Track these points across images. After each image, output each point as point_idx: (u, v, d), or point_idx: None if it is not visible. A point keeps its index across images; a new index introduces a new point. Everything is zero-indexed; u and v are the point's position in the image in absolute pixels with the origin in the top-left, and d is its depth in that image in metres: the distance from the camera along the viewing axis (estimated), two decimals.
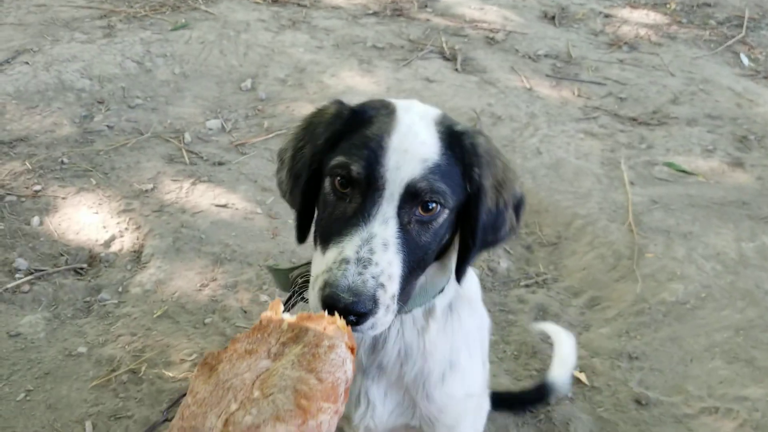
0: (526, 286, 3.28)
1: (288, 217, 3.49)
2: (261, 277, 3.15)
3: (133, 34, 5.00)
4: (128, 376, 2.69)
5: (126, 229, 3.36)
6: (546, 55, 5.33)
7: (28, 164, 3.71)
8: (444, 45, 5.31)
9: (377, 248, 1.36)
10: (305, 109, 4.37)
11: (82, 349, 2.78)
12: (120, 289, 3.06)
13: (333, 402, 1.14)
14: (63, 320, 2.91)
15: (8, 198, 3.47)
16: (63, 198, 3.52)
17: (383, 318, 1.36)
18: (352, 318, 1.32)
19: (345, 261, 1.34)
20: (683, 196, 3.82)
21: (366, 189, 1.41)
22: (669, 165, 4.09)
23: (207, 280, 3.13)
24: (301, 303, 1.67)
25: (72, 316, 2.94)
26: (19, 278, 3.05)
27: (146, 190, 3.60)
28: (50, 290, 3.03)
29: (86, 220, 3.40)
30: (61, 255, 3.21)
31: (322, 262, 1.40)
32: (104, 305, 2.99)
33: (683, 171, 4.05)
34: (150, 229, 3.34)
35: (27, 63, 4.56)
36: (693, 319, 3.09)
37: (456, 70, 5.00)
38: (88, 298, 3.02)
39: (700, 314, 3.11)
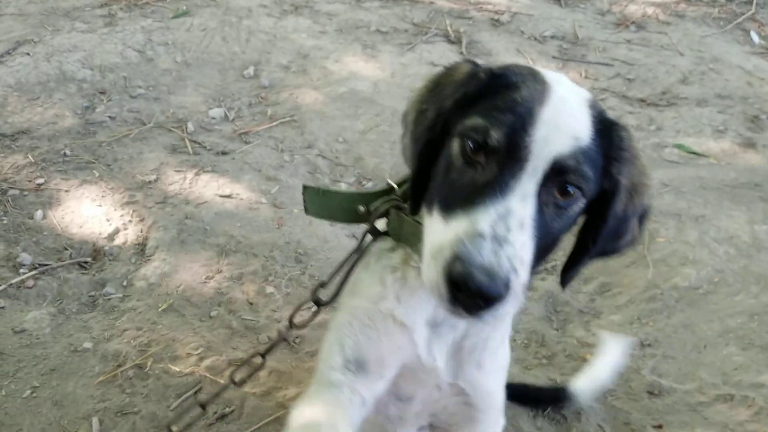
0: (536, 273, 3.22)
1: (293, 207, 3.45)
2: (267, 269, 3.12)
3: (134, 23, 4.93)
4: (134, 371, 2.67)
5: (129, 221, 3.32)
6: (552, 37, 5.24)
7: (30, 157, 3.67)
8: (449, 28, 5.22)
9: (513, 227, 1.19)
10: (309, 96, 4.31)
11: (88, 345, 2.75)
12: (125, 283, 3.03)
13: None
14: (68, 315, 2.88)
15: (11, 192, 3.43)
16: (66, 191, 3.48)
17: (509, 307, 1.21)
18: (480, 302, 1.16)
19: (480, 235, 1.17)
20: (694, 179, 3.75)
21: (505, 158, 1.25)
22: (679, 147, 4.02)
23: (212, 272, 3.09)
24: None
25: (77, 311, 2.91)
26: (24, 273, 3.02)
27: (149, 182, 3.56)
28: (54, 285, 3.00)
29: (90, 212, 3.36)
30: (65, 249, 3.17)
31: (447, 231, 1.22)
32: (109, 299, 2.96)
33: (693, 153, 3.99)
34: (153, 221, 3.30)
35: (28, 54, 4.50)
36: (706, 304, 3.04)
37: (461, 53, 4.92)
38: (92, 293, 2.99)
39: (713, 299, 3.06)
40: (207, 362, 2.71)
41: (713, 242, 3.31)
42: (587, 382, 2.45)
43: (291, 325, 1.83)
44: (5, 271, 3.04)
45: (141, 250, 3.20)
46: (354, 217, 1.65)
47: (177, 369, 2.68)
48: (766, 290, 3.09)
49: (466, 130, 1.30)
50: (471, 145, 1.28)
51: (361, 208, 1.63)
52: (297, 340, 2.82)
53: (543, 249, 1.31)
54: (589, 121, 1.32)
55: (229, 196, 3.50)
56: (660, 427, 2.56)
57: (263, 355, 1.94)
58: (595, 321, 3.01)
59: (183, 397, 2.58)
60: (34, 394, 2.56)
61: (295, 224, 3.36)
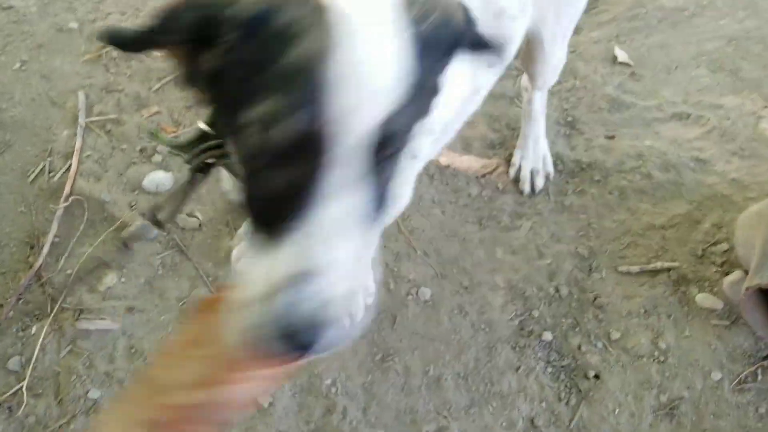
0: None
1: None
2: None
3: None
4: (118, 53, 2.78)
5: None
6: None
7: None
8: None
9: (335, 243, 0.82)
10: None
11: (74, 25, 2.84)
12: None
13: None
14: None
15: None
16: None
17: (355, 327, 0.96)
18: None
19: (290, 283, 0.80)
20: None
21: (303, 154, 0.81)
22: None
23: None
24: None
25: None
26: None
27: None
28: None
29: None
30: None
31: (260, 274, 0.83)
32: None
33: None
34: None
35: None
36: (688, 27, 3.02)
37: None
38: None
39: (697, 22, 3.03)
40: None
41: None
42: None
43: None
44: None
45: None
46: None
47: (158, 54, 2.79)
48: (753, 17, 3.04)
49: (242, 128, 0.84)
50: (252, 147, 0.85)
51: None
52: None
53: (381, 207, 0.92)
54: (407, 35, 0.84)
55: None
56: (612, 137, 2.70)
57: None
58: (574, 37, 3.01)
59: (163, 81, 2.72)
60: (24, 68, 2.70)
61: None
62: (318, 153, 0.80)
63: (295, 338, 0.80)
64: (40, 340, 2.06)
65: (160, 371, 0.95)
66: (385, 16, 0.83)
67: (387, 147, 0.84)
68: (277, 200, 0.83)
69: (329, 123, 0.79)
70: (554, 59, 2.17)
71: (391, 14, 0.84)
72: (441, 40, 0.90)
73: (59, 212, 2.29)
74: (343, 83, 0.78)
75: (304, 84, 0.78)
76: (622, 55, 2.93)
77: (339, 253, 0.81)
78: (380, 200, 0.90)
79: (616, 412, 2.09)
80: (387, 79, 0.81)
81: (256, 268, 0.84)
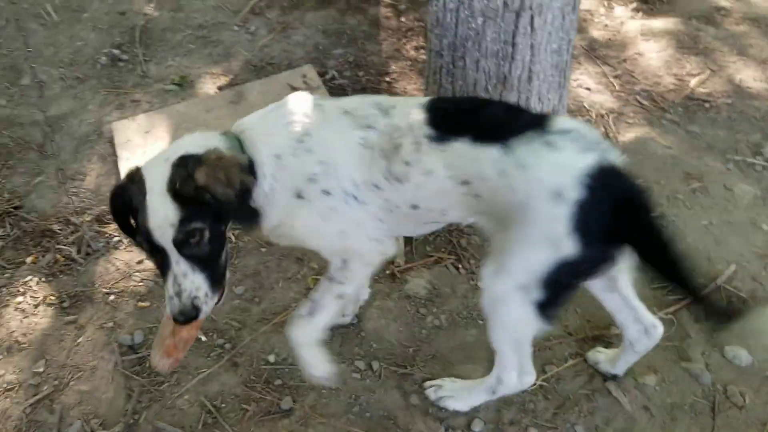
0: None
1: None
2: None
3: None
4: None
5: None
6: None
7: None
8: None
9: (181, 281, 1.94)
10: None
11: None
12: None
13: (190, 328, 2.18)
14: None
15: None
16: None
17: (209, 306, 2.00)
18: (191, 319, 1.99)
19: (171, 298, 1.95)
20: None
21: (155, 251, 1.97)
22: None
23: None
24: None
25: None
26: None
27: None
28: None
29: None
30: None
31: (166, 294, 1.99)
32: None
33: None
34: None
35: None
36: None
37: None
38: None
39: None
40: None
41: None
42: None
43: None
44: None
45: None
46: None
47: None
48: None
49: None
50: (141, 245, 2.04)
51: None
52: None
53: (211, 266, 2.00)
54: (170, 198, 1.90)
55: None
56: None
57: None
58: None
59: None
60: None
61: None
62: (159, 251, 1.95)
63: (184, 315, 1.96)
64: None
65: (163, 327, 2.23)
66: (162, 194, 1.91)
67: (187, 245, 1.93)
68: (159, 268, 2.01)
69: (153, 240, 1.93)
70: None
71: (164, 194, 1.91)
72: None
73: None
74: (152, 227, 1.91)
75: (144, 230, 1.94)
76: None
77: (183, 285, 1.95)
78: (210, 256, 1.99)
79: None
80: (169, 221, 1.89)
81: (166, 291, 1.98)
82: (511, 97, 2.94)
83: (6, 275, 3.17)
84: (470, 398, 2.50)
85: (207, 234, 1.94)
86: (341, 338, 2.82)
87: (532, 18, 2.73)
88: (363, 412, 2.60)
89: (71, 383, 2.73)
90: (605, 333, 2.81)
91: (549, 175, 1.87)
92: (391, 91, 4.03)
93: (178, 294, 1.92)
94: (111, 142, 3.82)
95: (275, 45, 4.46)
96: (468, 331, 2.85)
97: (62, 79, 4.31)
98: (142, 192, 1.92)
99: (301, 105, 2.15)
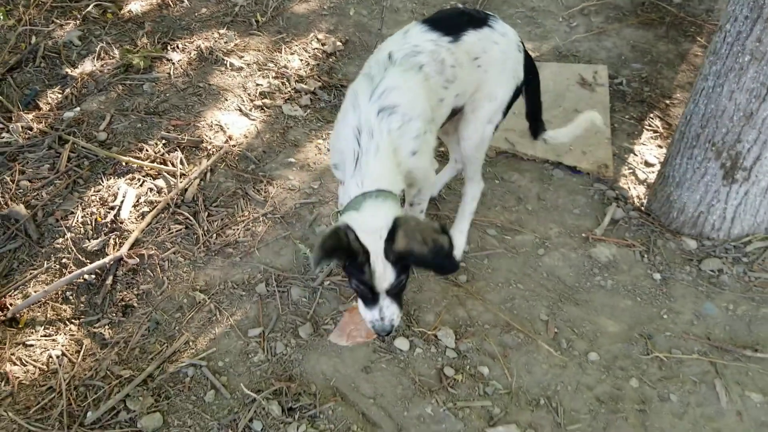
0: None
1: None
2: None
3: None
4: None
5: None
6: None
7: None
8: None
9: (385, 312, 2.58)
10: None
11: None
12: None
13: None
14: None
15: None
16: None
17: (398, 321, 2.67)
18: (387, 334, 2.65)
19: (374, 321, 2.60)
20: None
21: (370, 292, 2.55)
22: None
23: None
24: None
25: None
26: None
27: None
28: None
29: None
30: None
31: (366, 316, 2.65)
32: None
33: None
34: None
35: None
36: None
37: None
38: None
39: None
40: None
41: None
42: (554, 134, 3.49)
43: None
44: None
45: None
46: None
47: None
48: None
49: (350, 278, 2.61)
50: (354, 284, 2.59)
51: None
52: None
53: (402, 295, 2.66)
54: (392, 264, 2.46)
55: None
56: None
57: None
58: None
59: None
60: None
61: None
62: (374, 294, 2.55)
63: (386, 332, 2.62)
64: None
65: (347, 325, 3.10)
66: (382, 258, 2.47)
67: (395, 289, 2.54)
68: (364, 298, 2.61)
69: (374, 288, 2.54)
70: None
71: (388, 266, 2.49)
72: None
73: None
74: (376, 281, 2.51)
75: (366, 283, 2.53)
76: None
77: (387, 313, 2.57)
78: (402, 291, 2.64)
79: None
80: (387, 279, 2.49)
81: (362, 310, 2.65)
82: (751, 135, 3.30)
83: (318, 124, 4.29)
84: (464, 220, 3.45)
85: (406, 279, 2.59)
86: (521, 262, 3.48)
87: None
88: (513, 309, 3.25)
89: (330, 203, 3.74)
90: None
91: (514, 36, 3.07)
92: (667, 112, 4.48)
93: (382, 319, 2.58)
94: None
95: (585, 42, 5.11)
96: (624, 301, 3.34)
97: (412, 12, 5.38)
98: (369, 258, 2.44)
99: None
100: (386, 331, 2.59)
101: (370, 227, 2.42)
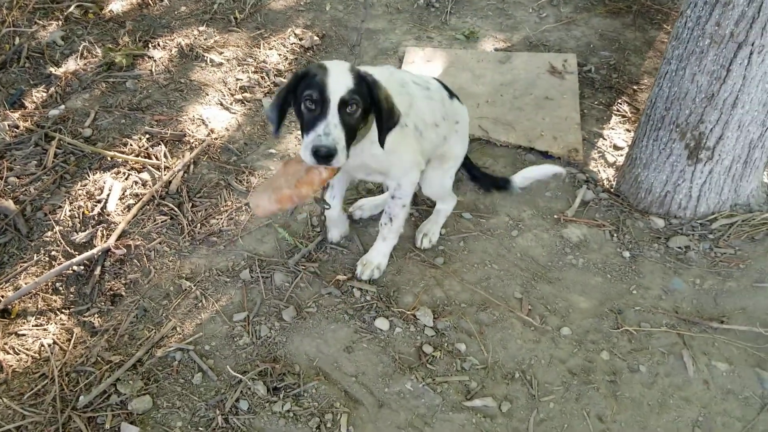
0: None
1: None
2: None
3: None
4: None
5: None
6: None
7: None
8: None
9: (331, 129, 2.56)
10: None
11: None
12: None
13: (309, 185, 2.74)
14: None
15: None
16: None
17: (340, 158, 2.59)
18: (325, 158, 2.58)
19: (319, 135, 2.55)
20: None
21: (321, 104, 2.58)
22: None
23: None
24: None
25: None
26: None
27: None
28: None
29: None
30: None
31: (308, 139, 2.60)
32: None
33: None
34: None
35: None
36: None
37: None
38: None
39: None
40: None
41: None
42: (522, 178, 3.70)
43: None
44: None
45: None
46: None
47: None
48: None
49: (304, 96, 2.61)
50: (307, 101, 2.61)
51: None
52: None
53: (350, 132, 2.64)
54: (352, 78, 2.62)
55: None
56: None
57: None
58: None
59: None
60: None
61: None
62: (325, 104, 2.58)
63: (321, 156, 2.56)
64: None
65: (277, 178, 2.82)
66: (345, 73, 2.65)
67: (346, 107, 2.60)
68: (312, 120, 2.61)
69: (329, 94, 2.58)
70: None
71: (347, 73, 2.66)
72: (366, 90, 2.68)
73: None
74: (331, 84, 2.59)
75: (321, 84, 2.60)
76: None
77: (331, 132, 2.56)
78: (351, 129, 2.65)
79: None
80: (342, 85, 2.59)
81: (307, 139, 2.62)
82: (713, 115, 3.44)
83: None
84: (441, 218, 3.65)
85: (359, 111, 2.66)
86: (496, 243, 3.61)
87: (751, 53, 3.22)
88: (489, 288, 3.38)
89: None
90: None
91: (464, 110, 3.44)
92: (634, 98, 4.63)
93: (327, 134, 2.55)
94: (400, 60, 4.90)
95: (555, 32, 5.25)
96: (594, 278, 3.48)
97: (387, 6, 5.50)
98: (325, 72, 2.63)
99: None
100: (327, 148, 2.57)
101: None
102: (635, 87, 4.73)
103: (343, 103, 2.60)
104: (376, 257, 3.39)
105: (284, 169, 2.87)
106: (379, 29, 5.26)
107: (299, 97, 2.66)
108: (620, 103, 4.60)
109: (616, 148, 4.26)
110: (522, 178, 3.74)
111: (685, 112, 3.51)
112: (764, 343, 3.17)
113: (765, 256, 3.54)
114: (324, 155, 2.56)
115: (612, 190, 3.99)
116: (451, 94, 3.35)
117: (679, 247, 3.62)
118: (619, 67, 4.91)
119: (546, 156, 4.14)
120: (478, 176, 3.77)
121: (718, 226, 3.71)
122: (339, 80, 2.61)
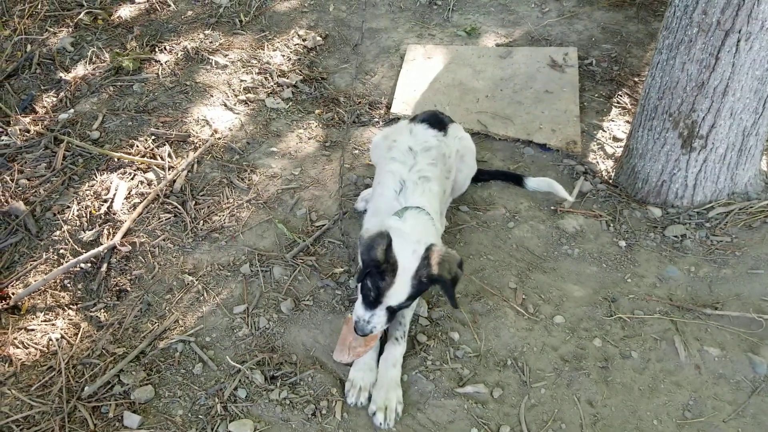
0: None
1: None
2: None
3: None
4: None
5: None
6: None
7: None
8: None
9: (375, 319, 2.80)
10: None
11: None
12: None
13: (373, 340, 3.00)
14: None
15: None
16: None
17: (378, 331, 2.86)
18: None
19: (363, 320, 2.81)
20: None
21: (376, 298, 2.76)
22: None
23: None
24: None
25: None
26: None
27: None
28: None
29: None
30: None
31: (356, 312, 2.86)
32: None
33: None
34: None
35: None
36: None
37: None
38: None
39: None
40: None
41: None
42: (536, 182, 3.82)
43: None
44: None
45: None
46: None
47: None
48: None
49: (367, 284, 2.78)
50: (367, 289, 2.78)
51: None
52: None
53: (393, 315, 2.88)
54: (411, 286, 2.73)
55: None
56: None
57: None
58: None
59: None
60: None
61: None
62: (378, 300, 2.77)
63: (362, 333, 2.85)
64: None
65: (346, 336, 3.07)
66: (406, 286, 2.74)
67: (396, 308, 2.82)
68: (365, 298, 2.82)
69: (381, 299, 2.79)
70: None
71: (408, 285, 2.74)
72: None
73: None
74: (388, 293, 2.75)
75: (379, 291, 2.76)
76: None
77: (374, 321, 2.81)
78: (392, 316, 2.87)
79: None
80: (399, 296, 2.74)
81: (356, 306, 2.89)
82: (705, 104, 3.46)
83: (300, 115, 4.49)
84: None
85: (410, 304, 2.91)
86: (492, 235, 3.66)
87: (738, 41, 3.24)
88: (484, 278, 3.44)
89: (310, 188, 3.94)
90: None
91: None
92: (635, 89, 4.65)
93: (368, 322, 2.79)
94: (402, 57, 4.98)
95: (557, 27, 5.28)
96: (590, 267, 3.52)
97: (390, 5, 5.58)
98: (395, 271, 2.70)
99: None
100: (364, 332, 2.83)
101: (410, 245, 2.74)
102: (636, 79, 4.75)
103: (394, 307, 2.80)
104: (392, 388, 2.96)
105: (348, 327, 3.06)
106: (382, 28, 5.33)
107: (366, 273, 2.75)
108: (621, 95, 4.62)
109: (615, 139, 4.29)
110: (536, 182, 3.84)
111: (677, 101, 3.54)
112: (757, 328, 3.18)
113: (761, 243, 3.55)
114: (360, 334, 2.87)
115: (610, 181, 4.02)
116: (442, 127, 3.49)
117: (676, 236, 3.64)
118: (620, 60, 4.93)
119: (544, 148, 4.19)
120: (495, 174, 3.99)
121: (714, 215, 3.72)
122: (399, 290, 2.73)
